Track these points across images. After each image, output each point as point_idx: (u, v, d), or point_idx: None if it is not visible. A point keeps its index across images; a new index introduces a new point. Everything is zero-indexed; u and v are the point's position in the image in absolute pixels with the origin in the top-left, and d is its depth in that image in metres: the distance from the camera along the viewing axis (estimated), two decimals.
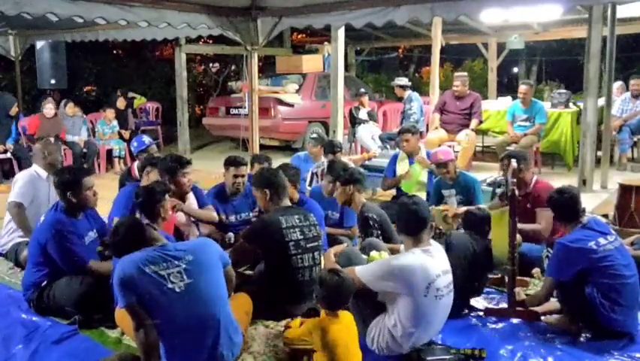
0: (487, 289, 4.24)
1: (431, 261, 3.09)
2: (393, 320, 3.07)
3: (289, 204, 3.91)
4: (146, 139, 5.74)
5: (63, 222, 3.81)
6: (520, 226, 4.33)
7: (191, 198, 4.62)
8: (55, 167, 5.05)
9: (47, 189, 4.93)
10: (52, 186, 4.95)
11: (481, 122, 8.29)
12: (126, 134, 9.72)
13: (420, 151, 6.01)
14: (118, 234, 3.01)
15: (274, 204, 3.79)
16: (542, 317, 3.65)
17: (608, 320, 3.35)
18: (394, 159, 6.20)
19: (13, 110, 8.69)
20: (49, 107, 8.68)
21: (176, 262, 2.85)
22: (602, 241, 3.44)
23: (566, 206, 3.61)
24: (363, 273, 3.14)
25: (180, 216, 4.50)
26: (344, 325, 2.94)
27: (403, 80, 9.30)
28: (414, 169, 5.89)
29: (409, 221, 3.19)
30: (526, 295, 3.86)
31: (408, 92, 9.00)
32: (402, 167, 6.02)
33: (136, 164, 5.41)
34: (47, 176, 4.96)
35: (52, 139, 5.69)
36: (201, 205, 4.70)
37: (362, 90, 10.32)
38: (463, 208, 4.92)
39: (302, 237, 3.64)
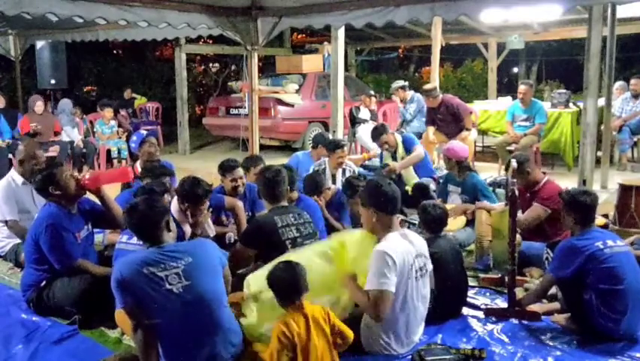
0: (488, 289, 4.25)
1: (408, 244, 3.21)
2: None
3: (286, 204, 3.90)
4: (144, 132, 5.67)
5: (57, 215, 3.77)
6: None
7: None
8: (34, 172, 4.99)
9: (30, 193, 4.85)
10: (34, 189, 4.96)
11: (472, 125, 8.13)
12: (122, 133, 9.69)
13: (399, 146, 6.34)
14: (133, 214, 3.01)
15: (272, 204, 3.81)
16: (550, 317, 3.64)
17: (605, 328, 3.33)
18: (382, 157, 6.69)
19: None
20: (39, 105, 8.68)
21: (174, 264, 2.85)
22: (609, 242, 3.40)
23: (585, 208, 3.53)
24: (373, 282, 3.03)
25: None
26: (310, 318, 2.73)
27: (400, 82, 9.33)
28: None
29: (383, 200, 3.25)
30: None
31: (410, 93, 9.00)
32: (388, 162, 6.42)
33: (138, 163, 5.33)
34: (23, 181, 4.90)
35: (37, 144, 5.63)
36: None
37: (371, 92, 10.30)
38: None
39: (298, 234, 3.67)
